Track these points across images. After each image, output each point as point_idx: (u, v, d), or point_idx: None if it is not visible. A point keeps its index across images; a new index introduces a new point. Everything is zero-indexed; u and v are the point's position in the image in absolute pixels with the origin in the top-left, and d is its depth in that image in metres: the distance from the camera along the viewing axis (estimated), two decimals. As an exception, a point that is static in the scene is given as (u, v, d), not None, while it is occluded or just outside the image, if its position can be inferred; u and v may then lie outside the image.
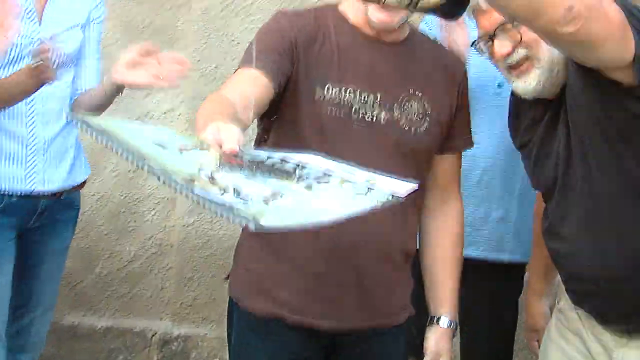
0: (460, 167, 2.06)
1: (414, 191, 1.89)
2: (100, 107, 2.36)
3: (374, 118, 1.86)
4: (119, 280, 3.52)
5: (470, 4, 1.37)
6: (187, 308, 3.53)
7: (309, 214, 1.22)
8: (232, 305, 1.99)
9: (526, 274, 2.47)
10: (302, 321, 1.88)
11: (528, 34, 1.70)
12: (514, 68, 1.77)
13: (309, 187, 1.29)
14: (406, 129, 1.89)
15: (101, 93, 2.30)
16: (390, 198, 1.30)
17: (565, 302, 1.98)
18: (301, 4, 3.37)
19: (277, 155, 1.38)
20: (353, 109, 1.84)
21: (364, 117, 1.85)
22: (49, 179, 2.40)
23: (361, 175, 1.36)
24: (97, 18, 2.46)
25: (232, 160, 1.30)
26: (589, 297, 1.84)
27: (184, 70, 2.07)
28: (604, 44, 1.50)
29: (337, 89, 1.84)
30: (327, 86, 1.84)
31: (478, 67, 2.18)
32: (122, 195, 3.47)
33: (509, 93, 2.24)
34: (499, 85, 2.38)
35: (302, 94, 1.85)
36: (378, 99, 1.86)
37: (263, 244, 1.93)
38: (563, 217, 1.82)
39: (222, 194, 1.17)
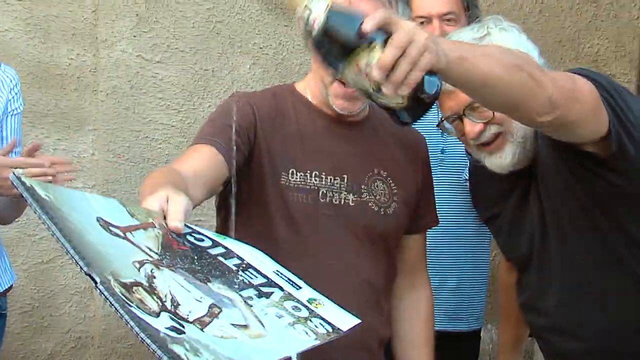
0: (425, 246, 2.03)
1: (387, 277, 1.87)
2: (7, 218, 2.31)
3: (342, 201, 1.81)
4: (36, 381, 3.29)
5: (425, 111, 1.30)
6: (113, 403, 3.33)
7: (243, 354, 1.12)
8: None
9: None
10: None
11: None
12: (486, 145, 1.76)
13: (249, 299, 1.22)
14: (375, 210, 1.84)
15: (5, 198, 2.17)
16: (330, 333, 1.21)
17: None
18: (212, 76, 3.32)
19: (222, 243, 1.31)
20: (320, 193, 1.79)
21: (331, 201, 1.80)
22: (-29, 288, 2.22)
23: (306, 293, 1.28)
24: (15, 109, 2.32)
25: (174, 243, 1.23)
26: None
27: (69, 171, 2.16)
28: (581, 124, 1.51)
29: (302, 173, 1.79)
30: (291, 170, 1.79)
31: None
32: (34, 289, 3.25)
33: (452, 157, 2.26)
34: (442, 151, 2.40)
35: (267, 179, 1.79)
36: (345, 181, 1.82)
37: None
38: (542, 290, 1.81)
39: (157, 316, 1.09)
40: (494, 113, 1.71)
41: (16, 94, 2.33)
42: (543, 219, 1.77)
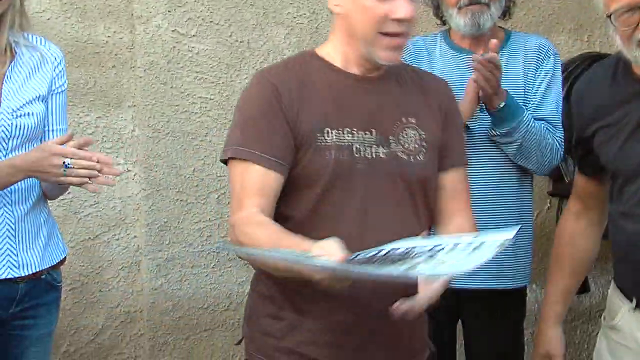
0: (465, 187, 2.00)
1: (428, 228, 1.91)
2: (50, 194, 2.36)
3: (374, 155, 1.85)
4: (88, 355, 3.35)
5: None
6: (164, 374, 3.39)
7: (449, 267, 1.51)
8: None
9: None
10: None
11: None
12: None
13: (431, 257, 1.55)
14: (405, 159, 1.88)
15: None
16: (501, 244, 1.55)
17: (622, 316, 1.96)
18: (247, 48, 3.33)
19: (384, 248, 1.63)
20: (354, 149, 1.84)
21: (365, 156, 1.85)
22: (23, 262, 2.26)
23: (467, 238, 1.62)
24: (59, 87, 2.34)
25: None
26: None
27: (113, 173, 2.14)
28: None
29: (336, 130, 1.84)
30: (326, 130, 1.84)
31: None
32: (82, 266, 3.31)
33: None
34: (481, 109, 2.40)
35: (303, 144, 1.85)
36: (374, 135, 1.86)
37: (282, 305, 1.90)
38: None
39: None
40: None
41: (60, 71, 2.35)
42: None
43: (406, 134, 1.89)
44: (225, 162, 1.89)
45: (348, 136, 1.84)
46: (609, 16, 1.83)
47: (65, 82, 2.37)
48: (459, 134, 2.02)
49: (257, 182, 1.81)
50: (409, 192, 1.87)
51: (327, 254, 1.54)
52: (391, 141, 1.87)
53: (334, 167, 1.82)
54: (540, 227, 3.55)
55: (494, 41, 2.34)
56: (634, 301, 1.95)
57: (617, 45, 1.89)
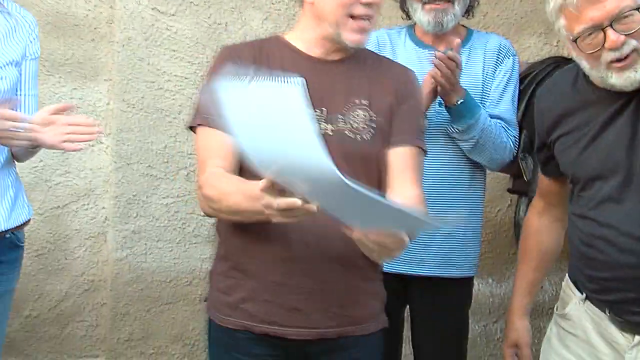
0: (415, 166, 2.03)
1: None
2: (19, 157, 2.46)
3: (323, 131, 1.95)
4: (50, 321, 3.42)
5: None
6: (123, 344, 3.45)
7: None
8: (209, 325, 2.08)
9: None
10: (269, 331, 1.97)
11: None
12: (619, 60, 1.82)
13: None
14: (351, 137, 1.97)
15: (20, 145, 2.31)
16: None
17: (572, 306, 2.06)
18: (225, 30, 3.40)
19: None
20: None
21: None
22: (-12, 220, 2.32)
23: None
24: (33, 53, 2.41)
25: None
26: (619, 284, 1.90)
27: (92, 136, 2.29)
28: None
29: None
30: None
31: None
32: (50, 233, 3.37)
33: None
34: (439, 104, 2.48)
35: None
36: (325, 113, 1.97)
37: (231, 265, 2.02)
38: (615, 200, 1.90)
39: None
40: (637, 26, 1.78)
41: (34, 38, 2.41)
42: (634, 136, 1.86)
43: (356, 115, 1.99)
44: (193, 131, 2.02)
45: None
46: (575, 40, 1.85)
47: (38, 49, 2.44)
48: (413, 117, 2.07)
49: (217, 144, 1.92)
50: (352, 169, 1.91)
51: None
52: (339, 119, 1.97)
53: None
54: (500, 224, 3.64)
55: (457, 40, 2.42)
56: (584, 294, 2.04)
57: (583, 68, 1.91)
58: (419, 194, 1.98)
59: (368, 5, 1.94)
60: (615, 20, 1.79)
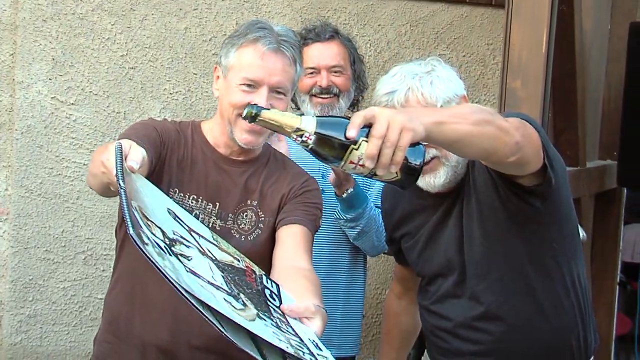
0: (308, 244, 2.03)
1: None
2: None
3: (211, 224, 2.03)
4: (-59, 407, 3.39)
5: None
6: None
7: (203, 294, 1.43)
8: None
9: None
10: None
11: None
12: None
13: (262, 313, 1.53)
14: (236, 237, 2.05)
15: None
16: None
17: None
18: (124, 119, 3.52)
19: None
20: (193, 214, 2.01)
21: (202, 222, 1.99)
22: None
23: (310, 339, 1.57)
24: None
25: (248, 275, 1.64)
26: None
27: None
28: (532, 160, 1.83)
29: (182, 194, 2.03)
30: (174, 189, 2.02)
31: (301, 160, 2.32)
32: (-57, 318, 3.38)
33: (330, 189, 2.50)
34: (323, 177, 2.63)
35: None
36: (217, 209, 2.04)
37: (108, 329, 2.10)
38: (452, 295, 2.09)
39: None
40: None
41: None
42: (461, 235, 2.04)
43: (245, 215, 2.07)
44: None
45: (192, 202, 2.02)
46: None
47: None
48: (306, 205, 2.10)
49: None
50: None
51: (125, 153, 1.62)
52: (229, 218, 2.05)
53: None
54: (379, 306, 3.78)
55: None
56: None
57: None
58: (311, 269, 1.93)
59: None
60: None
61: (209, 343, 2.01)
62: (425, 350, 2.35)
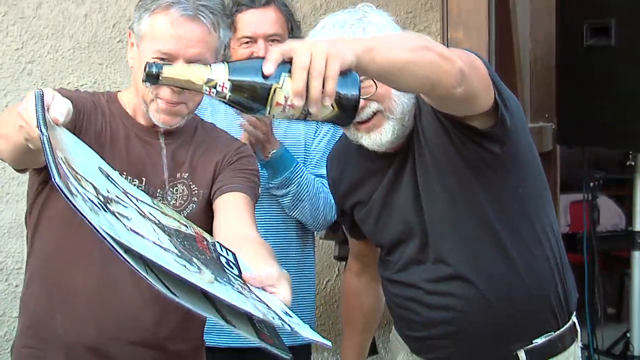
0: (250, 211, 1.85)
1: None
2: None
3: None
4: None
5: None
6: None
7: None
8: None
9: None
10: None
11: (381, 87, 1.74)
12: (364, 123, 1.79)
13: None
14: None
15: None
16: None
17: (401, 358, 2.03)
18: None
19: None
20: None
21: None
22: None
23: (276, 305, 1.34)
24: None
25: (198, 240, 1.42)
26: (438, 341, 1.90)
27: None
28: (481, 95, 1.63)
29: None
30: None
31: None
32: None
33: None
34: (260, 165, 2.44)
35: None
36: (143, 184, 1.84)
37: (31, 335, 1.89)
38: (417, 261, 1.89)
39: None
40: (375, 89, 1.75)
41: None
42: (418, 194, 1.84)
43: (176, 190, 1.87)
44: None
45: None
46: None
47: None
48: (243, 172, 1.93)
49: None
50: None
51: (47, 104, 1.40)
52: (158, 194, 1.84)
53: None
54: (330, 294, 3.62)
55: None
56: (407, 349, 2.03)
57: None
58: (260, 237, 1.72)
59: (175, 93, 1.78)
60: None
61: (146, 337, 1.82)
62: (391, 332, 2.13)
